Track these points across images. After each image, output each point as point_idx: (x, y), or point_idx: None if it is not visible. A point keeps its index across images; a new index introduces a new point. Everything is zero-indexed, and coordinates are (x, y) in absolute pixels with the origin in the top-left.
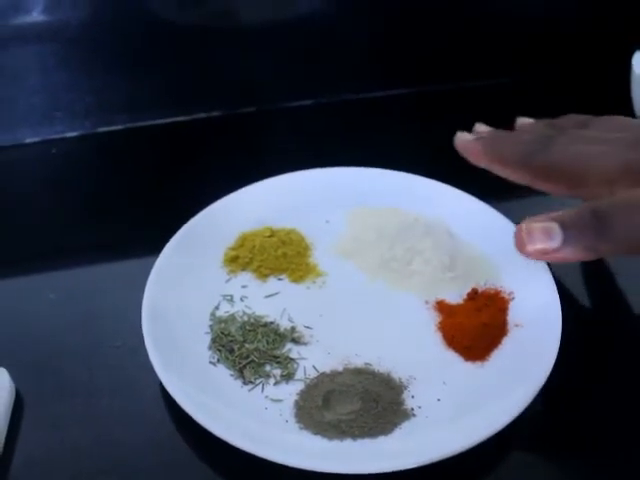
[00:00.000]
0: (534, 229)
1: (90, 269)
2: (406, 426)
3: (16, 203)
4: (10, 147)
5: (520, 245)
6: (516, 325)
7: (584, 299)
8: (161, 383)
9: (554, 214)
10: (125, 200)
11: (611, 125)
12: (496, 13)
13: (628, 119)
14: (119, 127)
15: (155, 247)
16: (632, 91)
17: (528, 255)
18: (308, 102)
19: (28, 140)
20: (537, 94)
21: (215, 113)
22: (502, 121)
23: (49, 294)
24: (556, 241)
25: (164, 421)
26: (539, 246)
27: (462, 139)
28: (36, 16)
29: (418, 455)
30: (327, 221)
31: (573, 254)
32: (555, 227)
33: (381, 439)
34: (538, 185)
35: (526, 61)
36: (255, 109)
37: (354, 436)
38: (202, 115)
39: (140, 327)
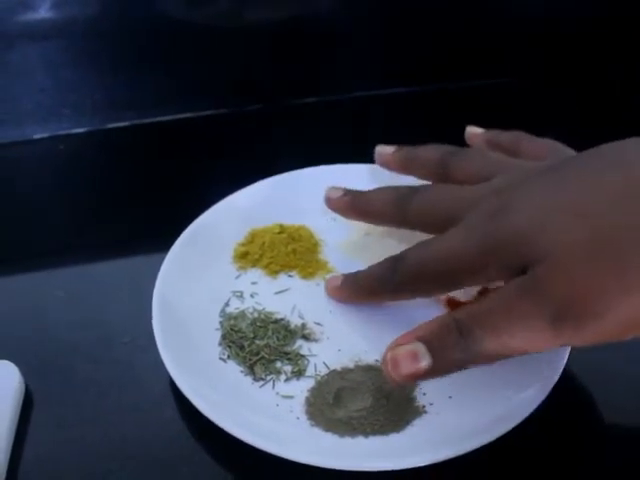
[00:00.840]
0: (399, 356)
1: (99, 266)
2: (418, 423)
3: (23, 200)
4: (18, 143)
5: (388, 375)
6: None
7: None
8: (171, 380)
9: (420, 331)
10: (133, 196)
11: (475, 165)
12: (496, 13)
13: (489, 154)
14: (126, 123)
15: (164, 243)
16: None
17: (399, 383)
18: (313, 99)
19: (36, 136)
20: (537, 94)
21: (222, 110)
22: (500, 121)
23: (58, 291)
24: (424, 362)
25: (174, 418)
26: (407, 372)
27: (333, 195)
28: (44, 13)
29: (430, 452)
30: (334, 218)
31: (446, 372)
32: (421, 348)
33: (393, 436)
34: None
35: (526, 61)
36: (262, 106)
37: (365, 433)
38: (209, 112)
39: (149, 324)
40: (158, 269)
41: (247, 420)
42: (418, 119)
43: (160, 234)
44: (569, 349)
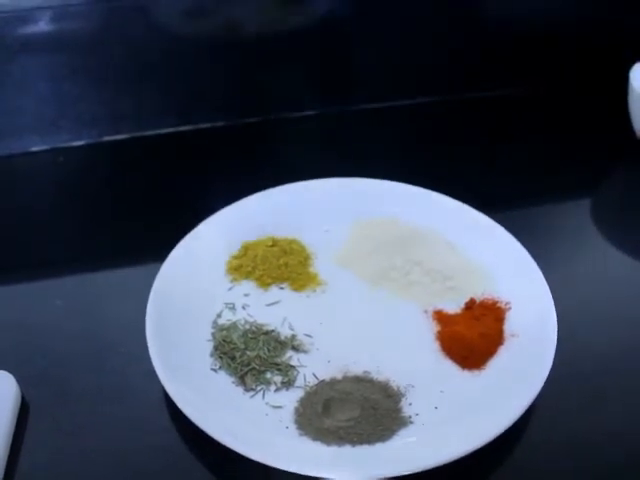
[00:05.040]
0: None
1: (94, 277)
2: (403, 433)
3: (23, 211)
4: (18, 155)
5: None
6: (512, 335)
7: (580, 310)
8: (164, 389)
9: None
10: (130, 208)
11: None
12: (497, 27)
13: None
14: (125, 136)
15: (159, 255)
16: (630, 106)
17: None
18: (310, 113)
19: (35, 148)
20: (538, 107)
21: (219, 123)
22: (502, 133)
23: (55, 301)
24: None
25: (167, 427)
26: None
27: None
28: (43, 27)
29: (415, 462)
30: (327, 231)
31: None
32: None
33: (379, 446)
34: None
35: (527, 74)
36: (258, 119)
37: (352, 442)
38: (206, 125)
39: (144, 334)
40: (153, 280)
41: (237, 429)
42: (416, 131)
43: (155, 246)
44: (551, 361)
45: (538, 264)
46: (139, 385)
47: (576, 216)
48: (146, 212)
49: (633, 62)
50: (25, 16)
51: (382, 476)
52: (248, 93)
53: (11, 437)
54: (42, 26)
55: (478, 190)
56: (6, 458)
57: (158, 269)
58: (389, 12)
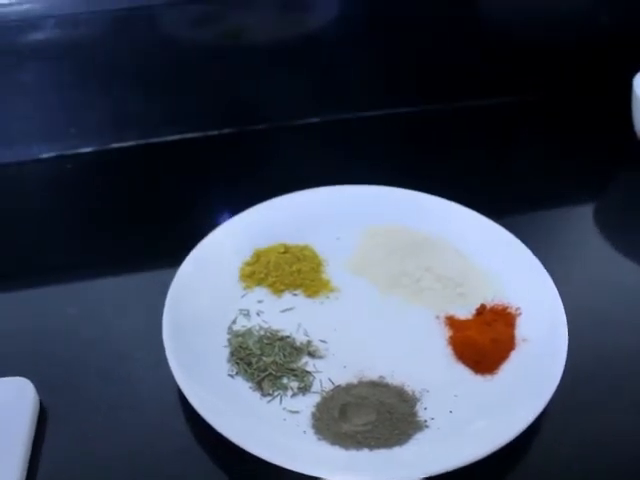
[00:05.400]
0: None
1: (107, 284)
2: (420, 437)
3: (32, 218)
4: (28, 162)
5: None
6: (524, 340)
7: (590, 314)
8: (181, 394)
9: None
10: (140, 216)
11: None
12: (498, 31)
13: None
14: (133, 143)
15: (172, 262)
16: (634, 113)
17: None
18: (316, 120)
19: (44, 155)
20: (540, 111)
21: (227, 130)
22: (506, 138)
23: (70, 309)
24: None
25: (183, 432)
26: None
27: None
28: (51, 34)
29: (432, 465)
30: (338, 238)
31: None
32: None
33: (396, 449)
34: None
35: (528, 79)
36: (266, 126)
37: (370, 446)
38: (214, 132)
39: (159, 340)
40: (167, 286)
41: (256, 434)
42: (425, 137)
43: (167, 253)
44: (563, 365)
45: (544, 268)
46: (155, 391)
47: (580, 220)
48: (157, 219)
49: (633, 64)
50: (33, 24)
51: (398, 479)
52: (253, 101)
53: (31, 444)
54: (50, 34)
55: (484, 196)
56: (27, 465)
57: (171, 276)
58: (389, 19)
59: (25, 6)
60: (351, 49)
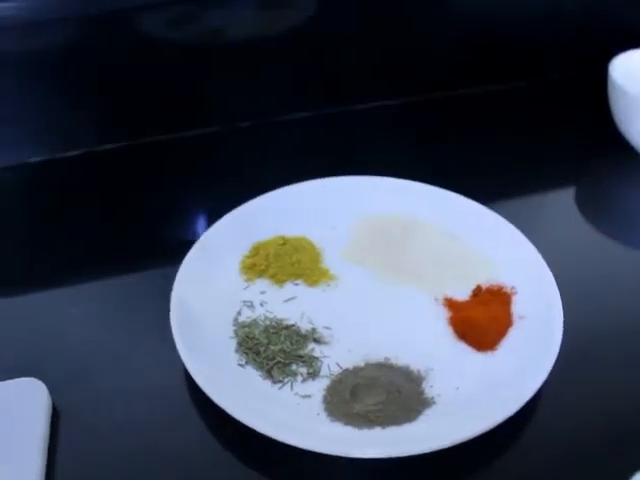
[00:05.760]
0: None
1: (112, 283)
2: (429, 413)
3: (31, 221)
4: (16, 166)
5: None
6: (520, 317)
7: (581, 291)
8: (193, 388)
9: None
10: (140, 214)
11: None
12: (479, 25)
13: None
14: (128, 143)
15: (172, 259)
16: (610, 98)
17: None
18: (303, 115)
19: (33, 160)
20: (523, 102)
21: (212, 129)
22: (490, 128)
23: (72, 309)
24: None
25: (200, 424)
26: None
27: None
28: (16, 41)
29: (442, 439)
30: (334, 228)
31: None
32: None
33: (406, 426)
34: None
35: (511, 70)
36: (252, 124)
37: (382, 424)
38: (199, 132)
39: (166, 337)
40: (169, 283)
41: (272, 417)
42: (413, 127)
43: (168, 250)
44: (560, 338)
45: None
46: (167, 386)
47: (563, 202)
48: (155, 217)
49: (612, 56)
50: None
51: (413, 453)
52: (237, 98)
53: (47, 444)
54: (14, 40)
55: (472, 181)
56: (45, 464)
57: (173, 271)
58: (373, 12)
59: None
60: (332, 44)
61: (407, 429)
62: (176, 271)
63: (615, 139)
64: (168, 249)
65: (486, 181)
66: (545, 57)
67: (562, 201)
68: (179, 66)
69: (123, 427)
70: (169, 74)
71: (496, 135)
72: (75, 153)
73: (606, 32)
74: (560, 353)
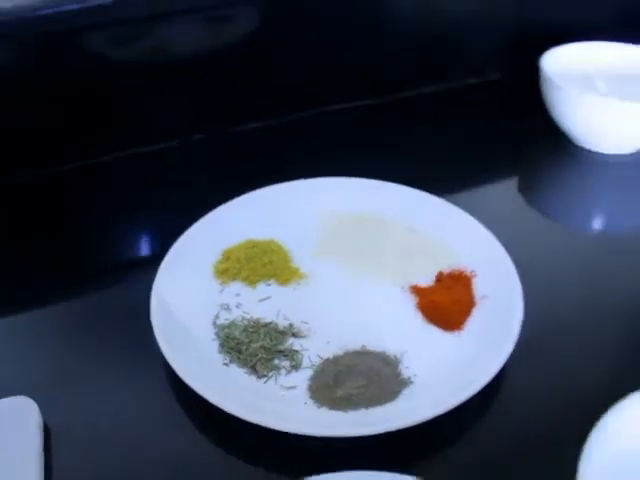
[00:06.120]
0: None
1: (88, 298)
2: (407, 392)
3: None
4: None
5: None
6: (482, 297)
7: (537, 267)
8: (179, 392)
9: None
10: (105, 229)
11: None
12: (418, 28)
13: None
14: (80, 163)
15: (144, 271)
16: (542, 90)
17: None
18: (254, 125)
19: None
20: (468, 99)
21: (172, 143)
22: (438, 124)
23: (53, 326)
24: None
25: (191, 427)
26: None
27: None
28: None
29: (422, 413)
30: (301, 228)
31: None
32: None
33: (388, 405)
34: None
35: (453, 69)
36: (206, 136)
37: (366, 406)
38: (159, 146)
39: (148, 347)
40: (146, 294)
41: (263, 409)
42: (373, 129)
43: (139, 262)
44: (522, 313)
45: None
46: (153, 391)
47: (507, 189)
48: (124, 233)
49: (544, 47)
50: None
51: (397, 427)
52: (191, 112)
53: (43, 462)
54: None
55: (427, 176)
56: None
57: (148, 283)
58: (320, 19)
59: None
60: (281, 52)
61: (389, 408)
62: (150, 284)
63: (551, 128)
64: (137, 264)
65: (441, 175)
66: (487, 57)
67: (509, 188)
68: (127, 83)
69: (113, 438)
70: (116, 91)
71: (447, 131)
72: (25, 175)
73: (538, 32)
74: (523, 327)
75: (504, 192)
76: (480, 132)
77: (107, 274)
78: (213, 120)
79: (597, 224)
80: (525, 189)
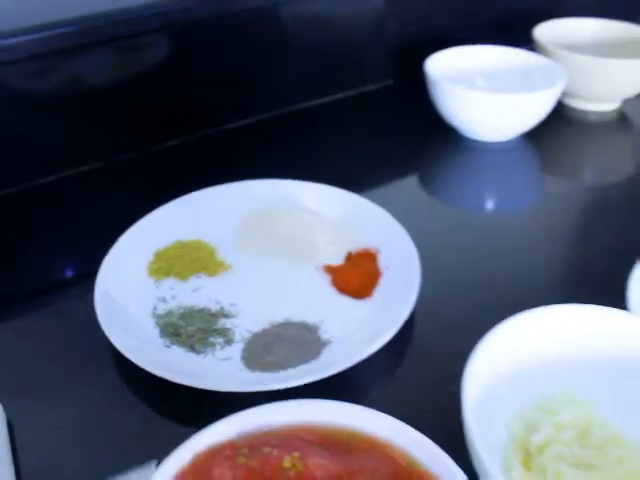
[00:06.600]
0: None
1: (32, 312)
2: (326, 350)
3: None
4: None
5: None
6: (386, 268)
7: (427, 246)
8: (125, 372)
9: None
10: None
11: None
12: (321, 43)
13: None
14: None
15: (85, 277)
16: (430, 93)
17: None
18: (172, 143)
19: None
20: (370, 105)
21: (95, 165)
22: (345, 129)
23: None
24: None
25: (138, 400)
26: None
27: None
28: None
29: (340, 365)
30: (223, 227)
31: None
32: None
33: (313, 362)
34: None
35: (355, 79)
36: (127, 157)
37: (294, 366)
38: (80, 169)
39: (98, 338)
40: (86, 296)
41: (207, 377)
42: (280, 138)
43: (77, 271)
44: (419, 277)
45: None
46: (102, 375)
47: (408, 181)
48: (60, 245)
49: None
50: None
51: (324, 375)
52: (114, 135)
53: (11, 456)
54: None
55: (332, 174)
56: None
57: (88, 287)
58: (221, 45)
59: None
60: (181, 79)
61: (314, 364)
62: (90, 295)
63: (441, 123)
64: (82, 267)
65: (348, 172)
66: (381, 66)
67: (410, 178)
68: (44, 114)
69: (73, 423)
70: (32, 123)
71: (350, 135)
72: None
73: (423, 40)
74: (423, 290)
75: (405, 182)
76: (380, 132)
77: (49, 290)
78: (135, 141)
79: (483, 203)
80: (422, 178)
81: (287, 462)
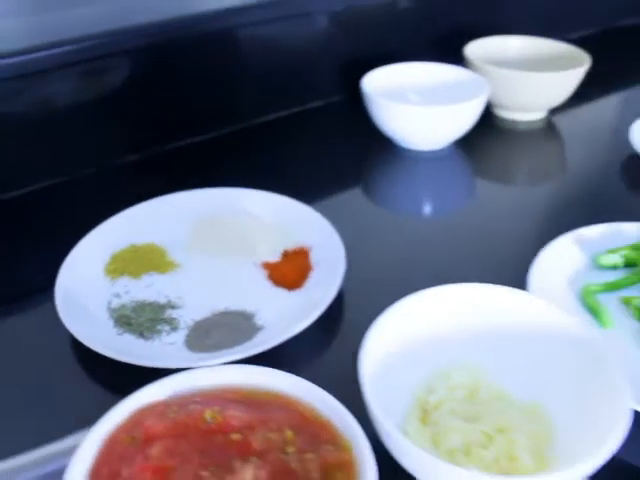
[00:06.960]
0: None
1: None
2: (259, 334)
3: None
4: None
5: None
6: (317, 263)
7: (356, 246)
8: (81, 356)
9: None
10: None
11: None
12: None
13: None
14: None
15: (48, 279)
16: (368, 107)
17: None
18: (135, 157)
19: None
20: (318, 120)
21: (61, 178)
22: (295, 142)
23: None
24: None
25: (88, 379)
26: None
27: None
28: None
29: (270, 342)
30: (173, 232)
31: None
32: None
33: (247, 343)
34: None
35: (304, 96)
36: (92, 171)
37: (230, 347)
38: (47, 183)
39: (61, 331)
40: (49, 297)
41: (152, 358)
42: (238, 151)
43: (37, 277)
44: (343, 269)
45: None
46: (59, 362)
47: (350, 189)
48: (24, 254)
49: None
50: None
51: (255, 352)
52: (75, 151)
53: None
54: None
55: (281, 183)
56: None
57: (49, 289)
58: (175, 68)
59: None
60: (142, 99)
61: (248, 345)
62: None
63: (379, 135)
64: (43, 272)
65: (295, 182)
66: (327, 84)
67: (351, 187)
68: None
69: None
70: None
71: (301, 148)
72: None
73: (363, 59)
74: (349, 281)
75: (344, 188)
76: (327, 144)
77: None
78: (101, 155)
79: (417, 206)
80: (361, 185)
81: (208, 415)
